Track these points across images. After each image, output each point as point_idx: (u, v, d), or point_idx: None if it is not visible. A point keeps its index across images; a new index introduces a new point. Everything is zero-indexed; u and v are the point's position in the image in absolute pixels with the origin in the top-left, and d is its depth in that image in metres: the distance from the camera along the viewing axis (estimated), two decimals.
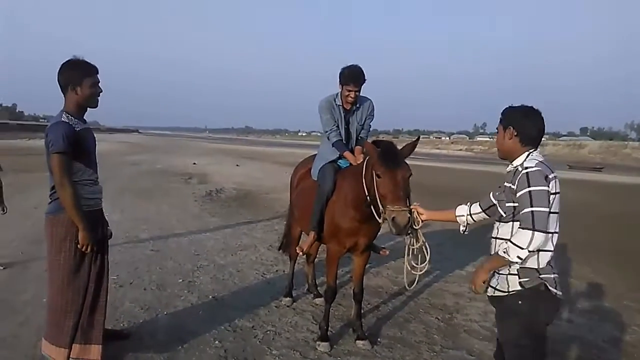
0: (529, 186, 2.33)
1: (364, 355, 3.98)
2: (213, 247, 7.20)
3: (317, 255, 5.47)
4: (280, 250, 5.81)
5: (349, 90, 4.14)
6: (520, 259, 2.34)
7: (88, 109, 3.37)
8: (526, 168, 2.40)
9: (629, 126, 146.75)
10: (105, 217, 3.63)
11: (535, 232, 2.28)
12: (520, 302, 2.44)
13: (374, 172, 3.44)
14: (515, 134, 2.54)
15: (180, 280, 5.56)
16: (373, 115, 4.48)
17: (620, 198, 17.60)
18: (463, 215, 2.96)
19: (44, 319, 3.50)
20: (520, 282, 2.43)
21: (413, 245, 3.28)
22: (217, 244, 7.38)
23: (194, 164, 22.78)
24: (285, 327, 4.45)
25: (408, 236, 3.28)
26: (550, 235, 2.40)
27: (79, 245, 3.20)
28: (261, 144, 73.63)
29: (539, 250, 2.39)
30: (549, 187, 2.35)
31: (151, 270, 5.87)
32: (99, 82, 3.33)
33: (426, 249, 3.25)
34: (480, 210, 2.87)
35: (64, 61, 3.24)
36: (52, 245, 3.24)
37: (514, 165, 2.55)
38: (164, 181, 15.51)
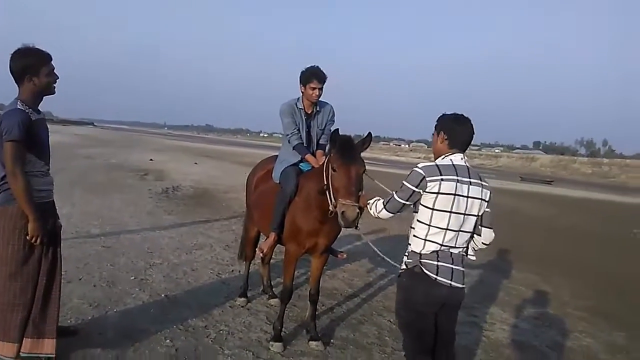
0: (405, 179, 2.83)
1: (316, 356, 4.00)
2: (167, 245, 7.07)
3: (273, 257, 5.47)
4: (240, 259, 5.60)
5: (313, 88, 4.19)
6: (374, 215, 3.06)
7: (44, 98, 3.27)
8: (416, 166, 2.85)
9: (579, 142, 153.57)
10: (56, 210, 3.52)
11: (384, 210, 2.95)
12: (403, 279, 2.91)
13: (330, 164, 3.53)
14: (446, 137, 2.87)
15: (132, 277, 5.42)
16: (334, 120, 4.52)
17: (569, 211, 18.39)
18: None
19: None
20: (405, 262, 2.90)
21: None
22: (171, 242, 7.24)
23: (151, 160, 22.26)
24: (238, 327, 4.41)
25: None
26: (433, 228, 2.76)
27: (28, 237, 3.09)
28: (221, 143, 72.72)
29: (425, 239, 2.78)
30: (422, 187, 2.74)
31: (102, 266, 5.69)
32: (54, 69, 3.23)
33: None
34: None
35: (15, 49, 3.12)
36: (0, 237, 3.11)
37: None
38: (119, 176, 15.08)
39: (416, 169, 2.82)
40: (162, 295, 4.99)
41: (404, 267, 2.91)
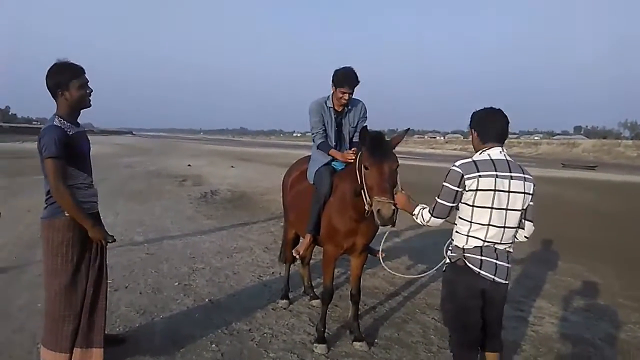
0: (444, 180, 2.83)
1: (361, 357, 3.97)
2: (209, 249, 7.18)
3: (313, 257, 5.47)
4: (280, 262, 5.65)
5: (343, 93, 4.16)
6: (422, 223, 3.02)
7: (82, 110, 3.36)
8: (453, 165, 2.83)
9: (622, 125, 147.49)
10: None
11: (433, 217, 2.90)
12: (448, 273, 2.95)
13: (362, 162, 3.49)
14: (477, 133, 2.91)
15: (176, 283, 5.54)
16: (366, 117, 4.48)
17: (614, 196, 17.70)
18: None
19: (39, 324, 3.48)
20: (449, 256, 2.92)
21: None
22: (212, 247, 7.35)
23: (189, 165, 22.72)
24: (282, 330, 4.44)
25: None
26: (474, 224, 2.77)
27: (93, 243, 3.30)
28: (256, 145, 73.58)
29: (468, 235, 2.79)
30: (462, 186, 2.74)
31: (146, 273, 5.84)
32: (87, 82, 3.30)
33: None
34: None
35: (50, 66, 3.21)
36: (49, 249, 3.22)
37: None
38: (158, 183, 15.46)
39: (454, 167, 2.81)
40: (206, 300, 5.07)
41: (447, 261, 2.95)
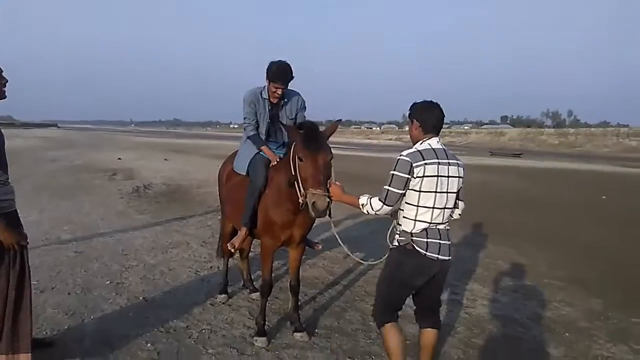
0: (393, 169, 2.97)
1: (302, 347, 3.97)
2: (142, 245, 6.91)
3: (252, 250, 5.40)
4: (218, 256, 5.55)
5: (276, 87, 4.09)
6: (370, 212, 3.09)
7: None
8: (400, 155, 3.00)
9: (544, 114, 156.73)
10: (21, 219, 3.37)
11: (385, 206, 3.00)
12: (394, 254, 3.11)
13: (296, 153, 3.48)
14: (419, 124, 3.08)
15: (108, 282, 5.28)
16: (305, 108, 4.44)
17: (539, 182, 18.77)
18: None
19: None
20: (398, 240, 3.08)
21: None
22: (146, 243, 7.08)
23: (119, 159, 21.77)
24: (221, 325, 4.34)
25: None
26: (421, 208, 2.97)
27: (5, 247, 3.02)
28: (191, 137, 71.73)
29: (415, 220, 2.99)
30: (411, 173, 2.91)
31: (75, 273, 5.53)
32: (0, 71, 3.06)
33: None
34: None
35: None
36: None
37: None
38: (87, 178, 14.69)
39: (403, 157, 2.97)
40: (140, 298, 4.87)
41: (395, 244, 3.11)
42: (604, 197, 14.36)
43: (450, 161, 3.02)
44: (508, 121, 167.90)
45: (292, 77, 4.10)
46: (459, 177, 3.06)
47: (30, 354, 3.13)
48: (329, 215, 3.38)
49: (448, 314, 4.80)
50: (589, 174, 23.30)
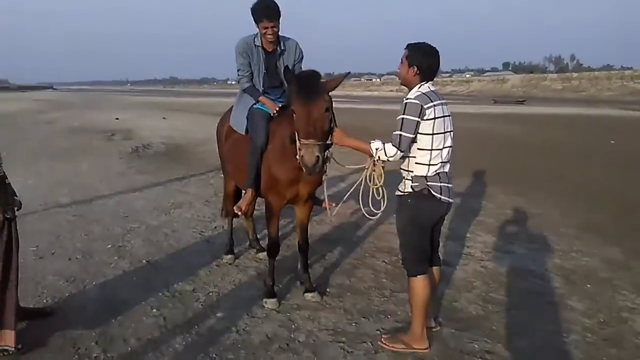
0: (402, 114, 2.90)
1: (314, 308, 3.81)
2: (143, 207, 6.72)
3: (257, 208, 5.19)
4: (222, 216, 5.31)
5: (265, 27, 3.72)
6: (382, 158, 3.00)
7: None
8: (407, 99, 2.93)
9: (547, 59, 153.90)
10: (18, 183, 3.15)
11: (399, 151, 2.92)
12: (409, 200, 3.05)
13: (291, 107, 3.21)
14: (418, 72, 2.98)
15: (109, 246, 5.11)
16: (302, 57, 4.10)
17: (545, 128, 18.44)
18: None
19: None
20: (411, 186, 3.02)
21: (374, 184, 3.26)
22: (147, 204, 6.89)
23: (117, 119, 21.29)
24: (228, 287, 4.18)
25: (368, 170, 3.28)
26: (434, 151, 2.95)
27: None
28: (188, 95, 70.79)
29: (429, 164, 2.96)
30: (422, 116, 2.87)
31: (75, 237, 5.35)
32: None
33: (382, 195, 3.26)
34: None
35: None
36: None
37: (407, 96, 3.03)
38: (84, 139, 14.40)
39: (411, 100, 2.91)
40: (144, 261, 4.71)
41: (409, 190, 3.03)
42: (612, 141, 14.06)
43: (443, 102, 3.05)
44: (510, 68, 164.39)
45: (278, 13, 3.72)
46: (450, 115, 3.10)
47: (14, 332, 2.96)
48: (325, 172, 3.23)
49: (463, 267, 4.65)
50: (594, 119, 22.88)
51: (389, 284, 4.28)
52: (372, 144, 3.02)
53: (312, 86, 3.13)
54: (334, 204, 3.96)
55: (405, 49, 3.05)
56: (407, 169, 3.06)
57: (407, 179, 3.06)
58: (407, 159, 3.05)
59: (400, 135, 2.89)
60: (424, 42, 3.03)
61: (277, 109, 3.83)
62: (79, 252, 4.90)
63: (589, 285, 4.29)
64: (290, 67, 3.98)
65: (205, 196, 7.39)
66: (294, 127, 3.28)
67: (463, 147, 8.55)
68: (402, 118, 2.89)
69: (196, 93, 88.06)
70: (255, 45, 3.90)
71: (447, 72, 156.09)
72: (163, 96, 63.13)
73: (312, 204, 4.01)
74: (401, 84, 3.14)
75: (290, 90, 3.24)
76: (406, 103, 2.91)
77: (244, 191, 4.20)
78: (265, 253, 4.73)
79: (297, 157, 3.20)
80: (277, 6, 3.70)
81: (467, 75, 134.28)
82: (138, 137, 15.03)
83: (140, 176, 8.97)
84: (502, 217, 6.42)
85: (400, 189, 3.12)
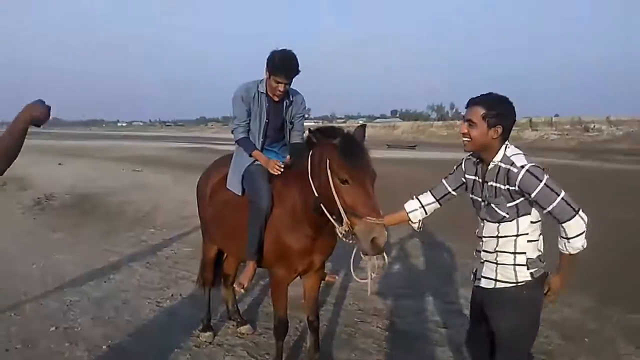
0: (540, 180, 2.26)
1: None
2: (75, 273, 5.76)
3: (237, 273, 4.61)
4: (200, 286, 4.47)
5: (278, 82, 3.30)
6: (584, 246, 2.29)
7: None
8: (522, 167, 2.30)
9: (430, 107, 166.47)
10: None
11: (580, 212, 2.25)
12: (524, 292, 2.40)
13: (331, 173, 2.74)
14: (501, 132, 2.37)
15: (53, 328, 4.23)
16: (304, 113, 3.75)
17: (436, 170, 19.38)
18: (416, 210, 2.80)
19: None
20: (531, 273, 2.39)
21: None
22: (77, 269, 5.92)
23: None
24: None
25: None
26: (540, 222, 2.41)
27: None
28: (79, 138, 65.83)
29: (538, 240, 2.42)
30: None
31: (4, 319, 4.38)
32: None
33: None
34: (434, 199, 2.82)
35: None
36: None
37: (495, 162, 2.41)
38: None
39: (529, 163, 2.31)
40: (104, 347, 3.93)
41: (526, 278, 2.39)
42: None
43: None
44: (398, 115, 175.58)
45: (297, 72, 3.34)
46: None
47: None
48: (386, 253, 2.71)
49: (455, 326, 4.45)
50: None
51: (396, 353, 3.94)
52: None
53: (364, 151, 2.78)
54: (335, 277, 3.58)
55: (474, 105, 2.40)
56: (513, 251, 2.41)
57: (518, 265, 2.41)
58: (514, 239, 2.41)
59: (563, 198, 2.25)
60: (497, 94, 2.41)
61: (279, 166, 3.38)
62: (17, 340, 3.98)
63: (586, 340, 4.27)
64: (289, 121, 3.65)
65: (143, 257, 6.57)
66: (311, 192, 2.93)
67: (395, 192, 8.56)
68: (545, 184, 2.25)
69: (87, 136, 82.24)
70: (259, 90, 3.46)
71: (341, 118, 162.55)
72: (53, 139, 57.96)
73: (323, 273, 3.59)
74: (470, 150, 2.53)
75: (334, 156, 2.76)
76: (537, 167, 2.30)
77: (226, 258, 3.66)
78: (247, 327, 4.23)
79: (340, 232, 2.79)
80: (298, 64, 3.31)
81: (360, 121, 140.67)
82: (35, 186, 13.34)
83: (55, 234, 7.84)
84: (468, 268, 6.38)
85: (504, 278, 2.44)
